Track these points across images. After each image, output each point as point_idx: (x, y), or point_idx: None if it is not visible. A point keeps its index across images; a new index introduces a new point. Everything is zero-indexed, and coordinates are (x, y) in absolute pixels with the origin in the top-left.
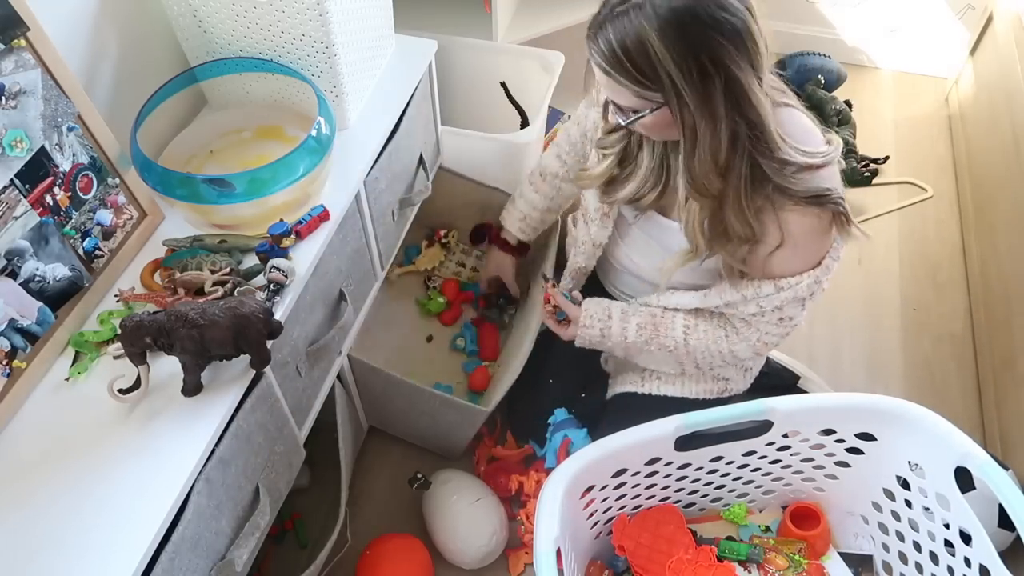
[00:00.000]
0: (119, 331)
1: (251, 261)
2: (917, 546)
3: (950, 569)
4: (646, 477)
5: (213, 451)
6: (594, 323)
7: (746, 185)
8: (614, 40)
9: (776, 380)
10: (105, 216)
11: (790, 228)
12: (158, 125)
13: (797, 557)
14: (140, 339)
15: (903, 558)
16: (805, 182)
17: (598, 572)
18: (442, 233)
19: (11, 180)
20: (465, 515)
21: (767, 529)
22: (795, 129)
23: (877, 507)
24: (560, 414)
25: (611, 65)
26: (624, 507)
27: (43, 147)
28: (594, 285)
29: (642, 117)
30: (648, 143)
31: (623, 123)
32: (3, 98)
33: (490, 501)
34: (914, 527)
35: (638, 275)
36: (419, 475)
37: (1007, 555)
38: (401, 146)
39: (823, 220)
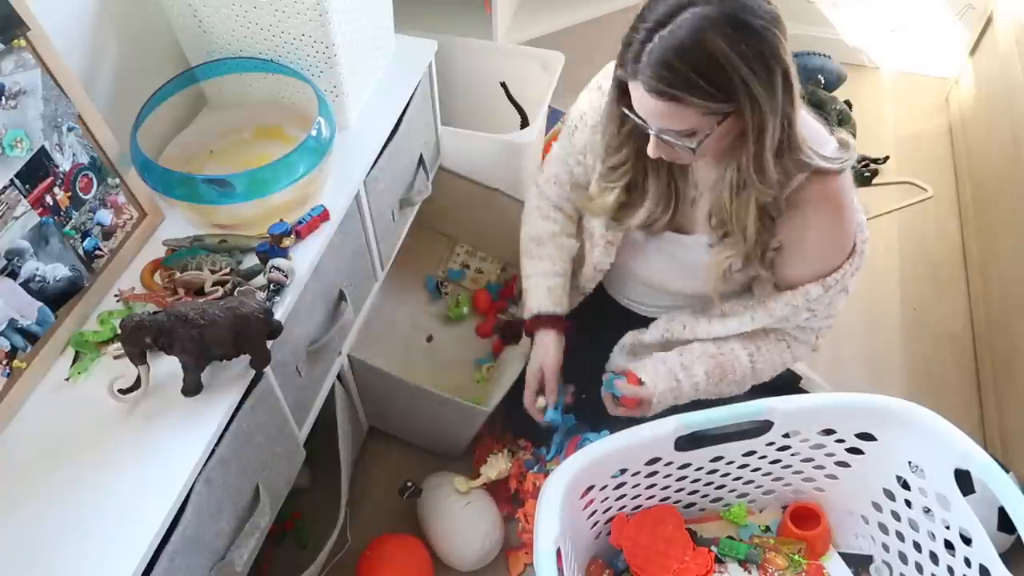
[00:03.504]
0: (119, 331)
1: (251, 261)
2: (917, 546)
3: (950, 569)
4: (646, 477)
5: (213, 451)
6: (666, 397)
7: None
8: (673, 57)
9: (776, 380)
10: (105, 216)
11: (809, 214)
12: (158, 125)
13: (797, 557)
14: (140, 339)
15: (903, 558)
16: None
17: (599, 571)
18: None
19: (11, 180)
20: (458, 518)
21: (767, 529)
22: (805, 130)
23: (877, 507)
24: (569, 420)
25: (675, 84)
26: (624, 507)
27: (43, 147)
28: (596, 293)
29: (707, 136)
30: (654, 169)
31: (692, 147)
32: (3, 98)
33: (482, 503)
34: (914, 527)
35: (660, 286)
36: (409, 483)
37: (1006, 558)
38: (401, 146)
39: (836, 188)
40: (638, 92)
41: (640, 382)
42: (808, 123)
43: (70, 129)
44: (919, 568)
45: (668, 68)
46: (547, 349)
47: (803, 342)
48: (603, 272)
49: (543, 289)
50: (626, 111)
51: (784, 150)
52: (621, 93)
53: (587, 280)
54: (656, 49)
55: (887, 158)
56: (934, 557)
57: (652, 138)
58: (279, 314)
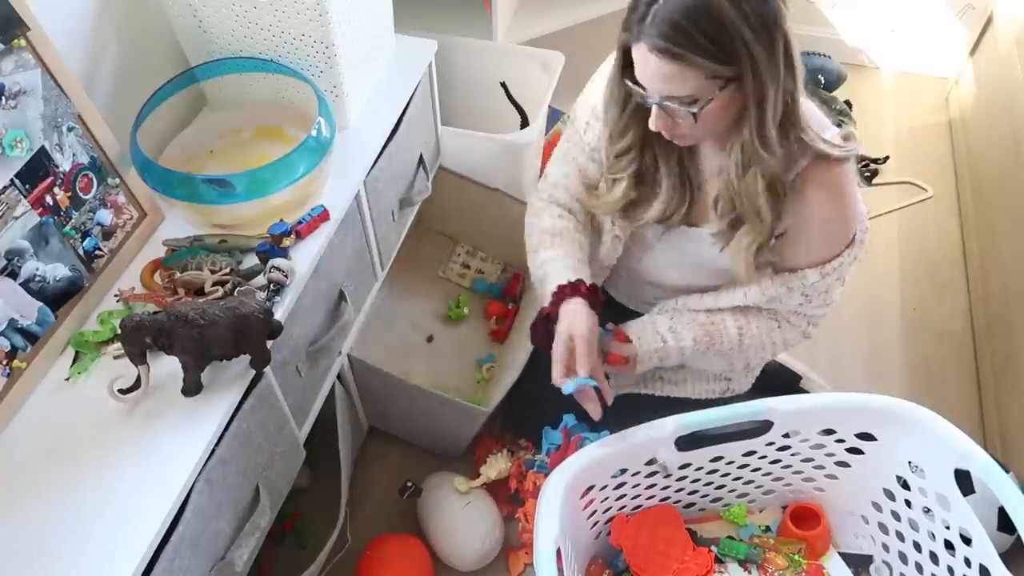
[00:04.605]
0: (119, 331)
1: (251, 261)
2: (917, 546)
3: (950, 569)
4: (646, 477)
5: (213, 451)
6: (652, 356)
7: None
8: (679, 16)
9: (776, 380)
10: (105, 216)
11: (810, 200)
12: (158, 125)
13: (797, 557)
14: (140, 339)
15: (903, 558)
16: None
17: (599, 571)
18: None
19: (11, 180)
20: (458, 518)
21: (767, 529)
22: (808, 113)
23: (877, 507)
24: (570, 419)
25: (679, 43)
26: (624, 507)
27: (43, 147)
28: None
29: (710, 102)
30: (664, 160)
31: (694, 112)
32: (3, 98)
33: (482, 503)
34: (914, 527)
35: (662, 282)
36: (409, 483)
37: (1006, 558)
38: (401, 146)
39: (839, 175)
40: (641, 54)
41: (628, 340)
42: (811, 108)
43: (70, 129)
44: (919, 568)
45: (673, 27)
46: (576, 315)
47: (795, 326)
48: (608, 269)
49: (566, 269)
50: (628, 82)
51: (788, 127)
52: (624, 63)
53: (593, 275)
54: (662, 8)
55: (887, 158)
56: (934, 557)
57: (654, 109)
58: (279, 314)
